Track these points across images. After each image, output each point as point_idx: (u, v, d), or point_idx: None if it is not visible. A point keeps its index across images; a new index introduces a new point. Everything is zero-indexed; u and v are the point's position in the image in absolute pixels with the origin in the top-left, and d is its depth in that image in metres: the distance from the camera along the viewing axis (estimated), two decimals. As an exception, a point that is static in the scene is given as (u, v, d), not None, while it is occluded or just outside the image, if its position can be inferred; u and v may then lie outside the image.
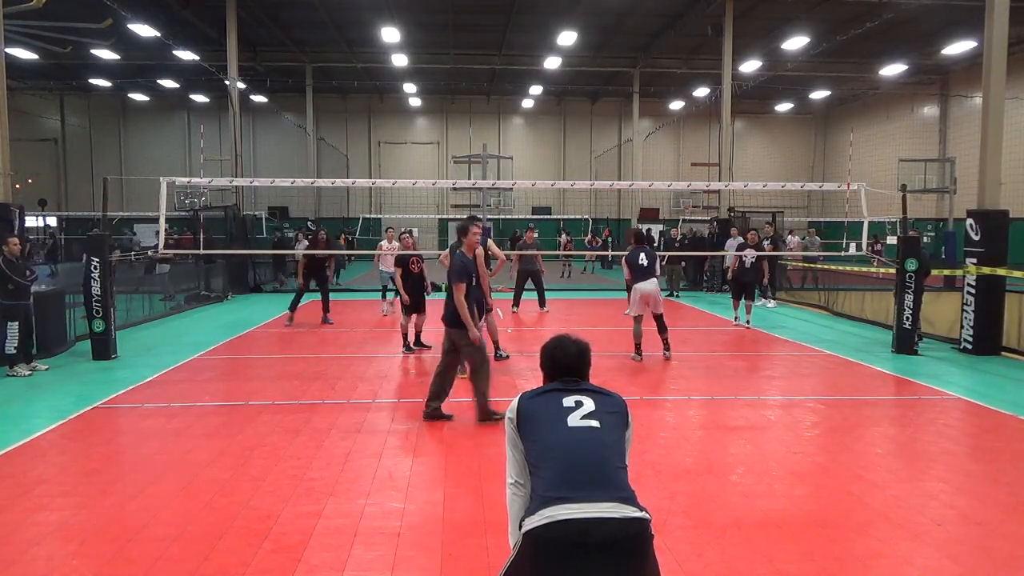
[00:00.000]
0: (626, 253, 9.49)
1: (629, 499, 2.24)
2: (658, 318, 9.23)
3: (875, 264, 16.17)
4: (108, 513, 4.39)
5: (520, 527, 2.26)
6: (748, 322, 12.21)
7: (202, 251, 16.05)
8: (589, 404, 2.46)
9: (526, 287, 14.23)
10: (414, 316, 9.90)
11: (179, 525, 4.20)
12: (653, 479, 4.85)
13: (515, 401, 2.56)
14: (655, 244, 29.03)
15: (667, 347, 9.36)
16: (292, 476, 5.02)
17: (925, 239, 23.00)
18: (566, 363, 2.63)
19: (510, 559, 2.28)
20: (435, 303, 8.69)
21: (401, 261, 9.79)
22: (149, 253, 11.98)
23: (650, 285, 9.04)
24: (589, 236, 29.09)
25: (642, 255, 9.15)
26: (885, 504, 4.62)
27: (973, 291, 10.02)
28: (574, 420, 2.41)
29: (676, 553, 3.90)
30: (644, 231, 10.95)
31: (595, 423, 2.40)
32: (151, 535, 4.08)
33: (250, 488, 4.79)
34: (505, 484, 2.54)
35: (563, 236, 28.37)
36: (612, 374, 8.43)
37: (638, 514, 2.20)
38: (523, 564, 2.21)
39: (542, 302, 14.39)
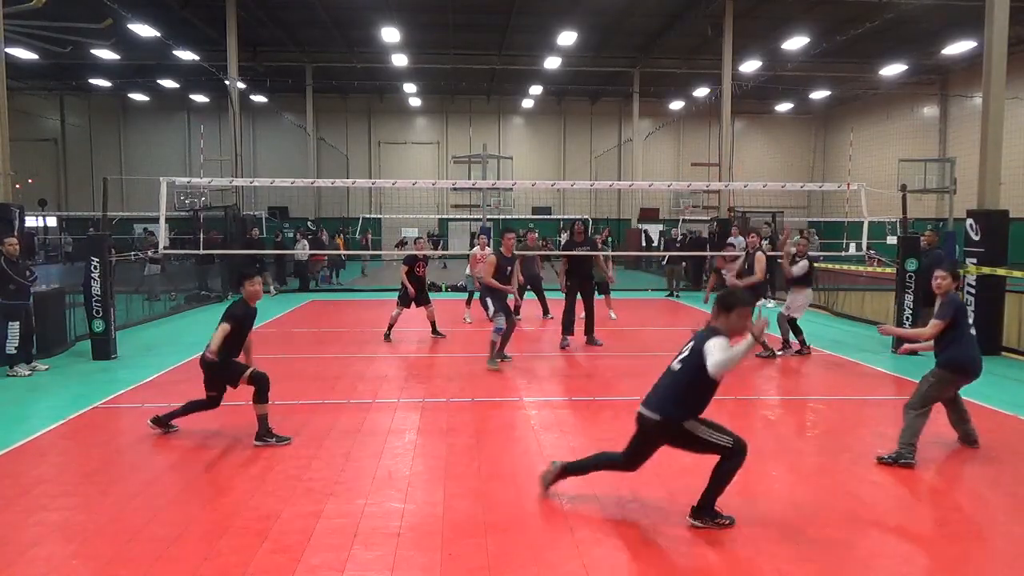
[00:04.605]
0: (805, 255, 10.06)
1: (654, 407, 4.22)
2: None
3: (876, 264, 16.16)
4: (108, 513, 4.38)
5: None
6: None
7: (201, 251, 16.06)
8: (686, 350, 4.16)
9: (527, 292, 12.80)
10: (424, 308, 10.82)
11: (179, 525, 4.20)
12: (654, 478, 4.84)
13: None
14: (653, 244, 29.06)
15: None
16: (292, 476, 5.02)
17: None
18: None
19: None
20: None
21: (408, 261, 10.80)
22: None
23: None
24: None
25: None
26: (885, 504, 4.62)
27: (973, 291, 10.02)
28: (673, 361, 4.26)
29: (676, 553, 3.90)
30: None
31: (677, 366, 4.19)
32: (151, 535, 4.07)
33: (250, 488, 4.79)
34: None
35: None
36: (615, 375, 8.44)
37: (654, 416, 4.20)
38: None
39: (545, 310, 13.04)
